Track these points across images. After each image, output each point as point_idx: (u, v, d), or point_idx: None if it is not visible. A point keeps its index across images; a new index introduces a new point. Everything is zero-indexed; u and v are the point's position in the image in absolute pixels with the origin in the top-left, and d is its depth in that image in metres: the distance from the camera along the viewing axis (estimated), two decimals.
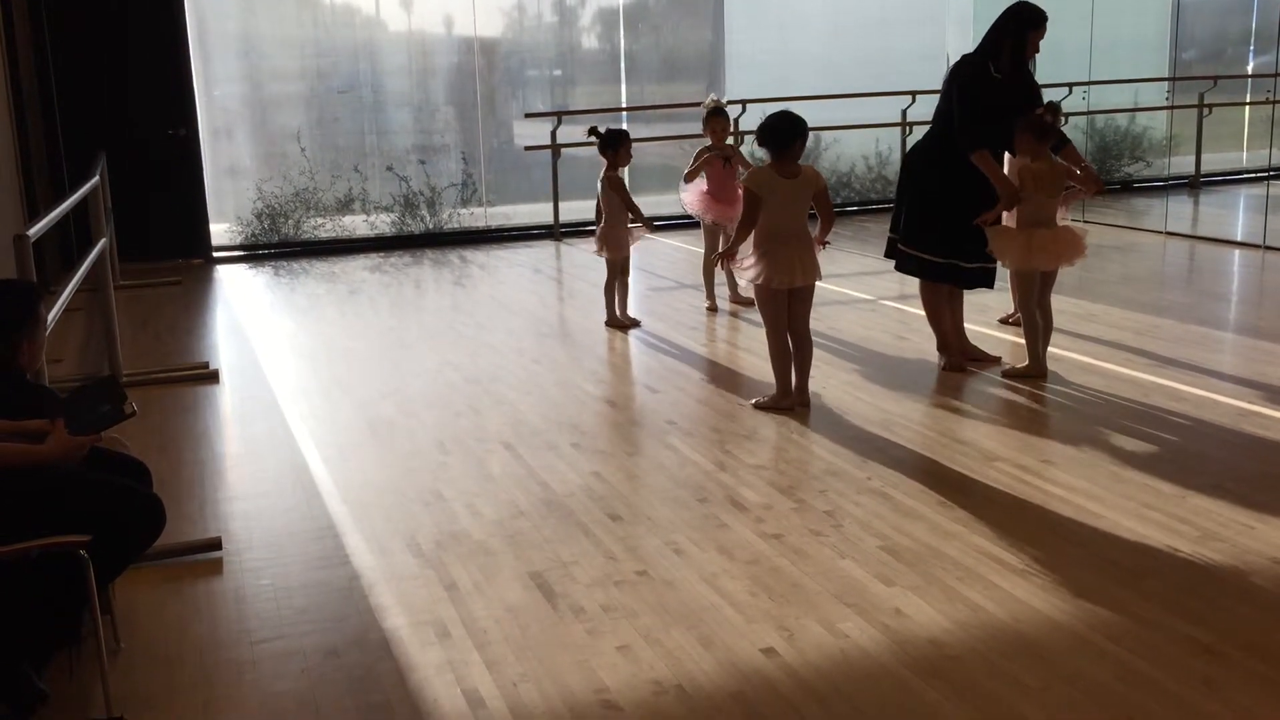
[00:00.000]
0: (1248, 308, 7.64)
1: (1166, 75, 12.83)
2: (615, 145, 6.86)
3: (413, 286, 8.92)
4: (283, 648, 3.23)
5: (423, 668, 3.09)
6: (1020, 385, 5.58)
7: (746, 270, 5.23)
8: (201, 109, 10.24)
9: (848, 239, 9.98)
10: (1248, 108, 12.91)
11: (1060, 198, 5.65)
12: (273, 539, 4.00)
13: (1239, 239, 9.83)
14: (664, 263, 9.43)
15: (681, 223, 10.56)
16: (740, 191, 5.66)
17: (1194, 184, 12.32)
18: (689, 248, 9.74)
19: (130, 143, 9.68)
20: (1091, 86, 11.44)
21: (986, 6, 5.74)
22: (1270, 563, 3.58)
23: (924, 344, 6.18)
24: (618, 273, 7.04)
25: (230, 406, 5.76)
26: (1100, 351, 6.12)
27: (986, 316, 6.80)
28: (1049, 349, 5.76)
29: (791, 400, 5.27)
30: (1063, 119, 6.19)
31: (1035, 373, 5.64)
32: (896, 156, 11.62)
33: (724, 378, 5.93)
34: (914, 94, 11.40)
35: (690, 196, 7.42)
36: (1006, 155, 5.87)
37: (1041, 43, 5.65)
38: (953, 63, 5.90)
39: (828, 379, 5.71)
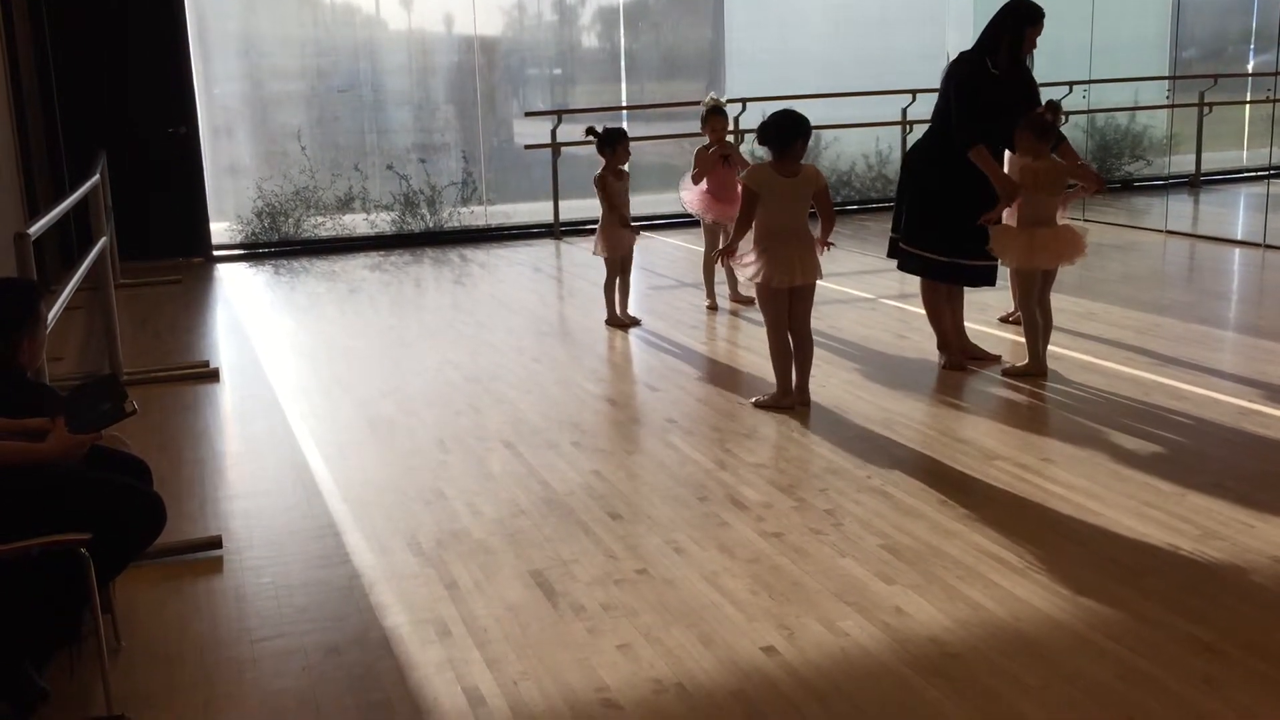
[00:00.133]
0: (1248, 306, 7.64)
1: (1167, 74, 12.82)
2: (613, 144, 6.87)
3: (413, 285, 8.92)
4: (283, 646, 3.23)
5: (423, 666, 3.09)
6: (1020, 384, 5.58)
7: (747, 268, 5.23)
8: (202, 108, 10.24)
9: (848, 238, 9.98)
10: (1248, 106, 12.90)
11: (1061, 198, 5.65)
12: (273, 537, 4.00)
13: (1239, 238, 9.83)
14: (664, 261, 9.43)
15: (681, 222, 10.57)
16: (740, 190, 5.66)
17: (1194, 183, 12.32)
18: (689, 247, 9.74)
19: (130, 141, 9.68)
20: (1092, 85, 11.43)
21: (986, 5, 5.73)
22: (1271, 561, 3.58)
23: (924, 343, 6.18)
24: (617, 271, 7.04)
25: (230, 405, 5.76)
26: (1100, 350, 6.12)
27: (987, 315, 6.80)
28: (1049, 347, 5.76)
29: (792, 399, 5.27)
30: (1063, 118, 6.19)
31: (1035, 371, 5.64)
32: (897, 155, 11.62)
33: (724, 376, 5.93)
34: (914, 93, 11.40)
35: (690, 195, 7.42)
36: (1007, 153, 5.87)
37: (1042, 41, 5.65)
38: (951, 60, 5.90)
39: (828, 378, 5.71)
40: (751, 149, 9.39)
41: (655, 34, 12.14)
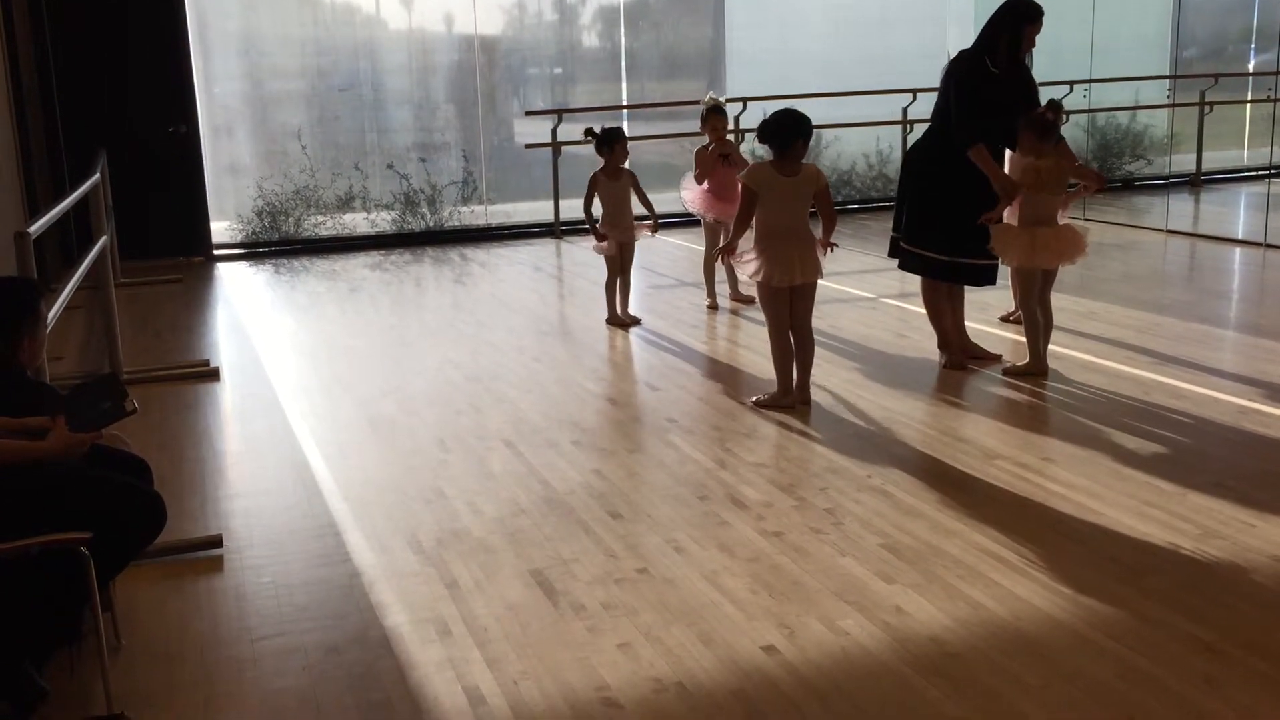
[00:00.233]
0: (1248, 306, 7.64)
1: (1167, 73, 12.82)
2: (609, 144, 6.90)
3: (413, 284, 8.92)
4: (283, 645, 3.23)
5: (423, 665, 3.09)
6: (1021, 383, 5.58)
7: (747, 268, 5.23)
8: (202, 107, 10.24)
9: (848, 237, 9.97)
10: (1249, 106, 12.90)
11: (1062, 198, 5.65)
12: (273, 536, 4.00)
13: (1240, 237, 9.83)
14: (664, 261, 9.43)
15: (682, 221, 10.56)
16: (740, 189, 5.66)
17: (1195, 182, 12.31)
18: (689, 246, 9.74)
19: (131, 140, 9.68)
20: (1092, 84, 11.43)
21: (986, 3, 5.73)
22: (1271, 560, 3.58)
23: (925, 342, 6.18)
24: (617, 271, 7.04)
25: (231, 404, 5.76)
26: (1101, 349, 6.12)
27: (987, 314, 6.80)
28: (1050, 347, 5.76)
29: (792, 398, 5.27)
30: (1064, 117, 6.18)
31: (1036, 370, 5.63)
32: (897, 155, 11.62)
33: (725, 376, 5.93)
34: (914, 92, 11.39)
35: (691, 194, 7.42)
36: (1008, 152, 5.87)
37: (1043, 40, 5.65)
38: (950, 59, 5.90)
39: (829, 377, 5.71)
40: (752, 148, 9.39)
41: (656, 33, 12.14)
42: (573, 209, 10.69)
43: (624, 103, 11.93)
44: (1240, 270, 8.65)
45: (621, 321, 7.04)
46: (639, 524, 3.99)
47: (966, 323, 6.07)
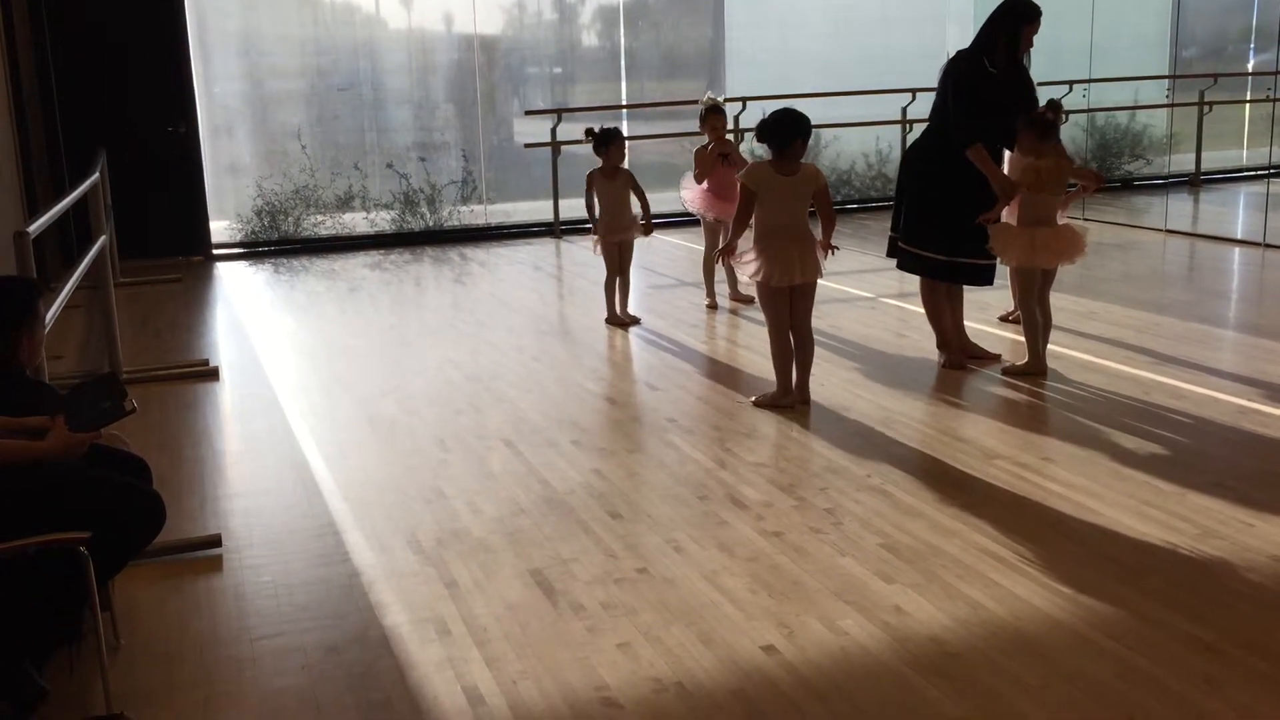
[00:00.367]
0: (1248, 305, 7.64)
1: (1167, 73, 12.82)
2: (605, 144, 6.93)
3: (413, 284, 8.92)
4: (283, 644, 3.23)
5: (423, 665, 3.09)
6: (1020, 383, 5.58)
7: (747, 267, 5.23)
8: (201, 106, 10.24)
9: (848, 236, 9.97)
10: (1248, 105, 12.90)
11: (1062, 199, 5.66)
12: (273, 536, 4.00)
13: (1239, 237, 9.83)
14: (664, 260, 9.43)
15: (681, 220, 10.56)
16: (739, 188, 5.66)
17: (1194, 182, 12.31)
18: (689, 245, 9.74)
19: (130, 140, 9.68)
20: (1092, 84, 11.43)
21: (986, 3, 5.73)
22: (1270, 560, 3.58)
23: (924, 342, 6.18)
24: (615, 270, 7.05)
25: (230, 404, 5.76)
26: (1100, 349, 6.12)
27: (986, 314, 6.80)
28: (1049, 346, 5.76)
29: (791, 398, 5.27)
30: (1064, 116, 6.19)
31: (1035, 370, 5.64)
32: (897, 154, 11.61)
33: (724, 375, 5.93)
34: (914, 91, 11.39)
35: (691, 194, 7.42)
36: (1007, 152, 5.87)
37: (1042, 40, 5.64)
38: (948, 58, 5.90)
39: (828, 377, 5.71)
40: (751, 147, 9.39)
41: (655, 33, 12.14)
42: (572, 208, 10.71)
43: (623, 102, 11.93)
44: (1239, 270, 8.65)
45: (621, 321, 7.04)
46: (639, 524, 3.99)
47: (966, 322, 6.07)
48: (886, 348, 6.33)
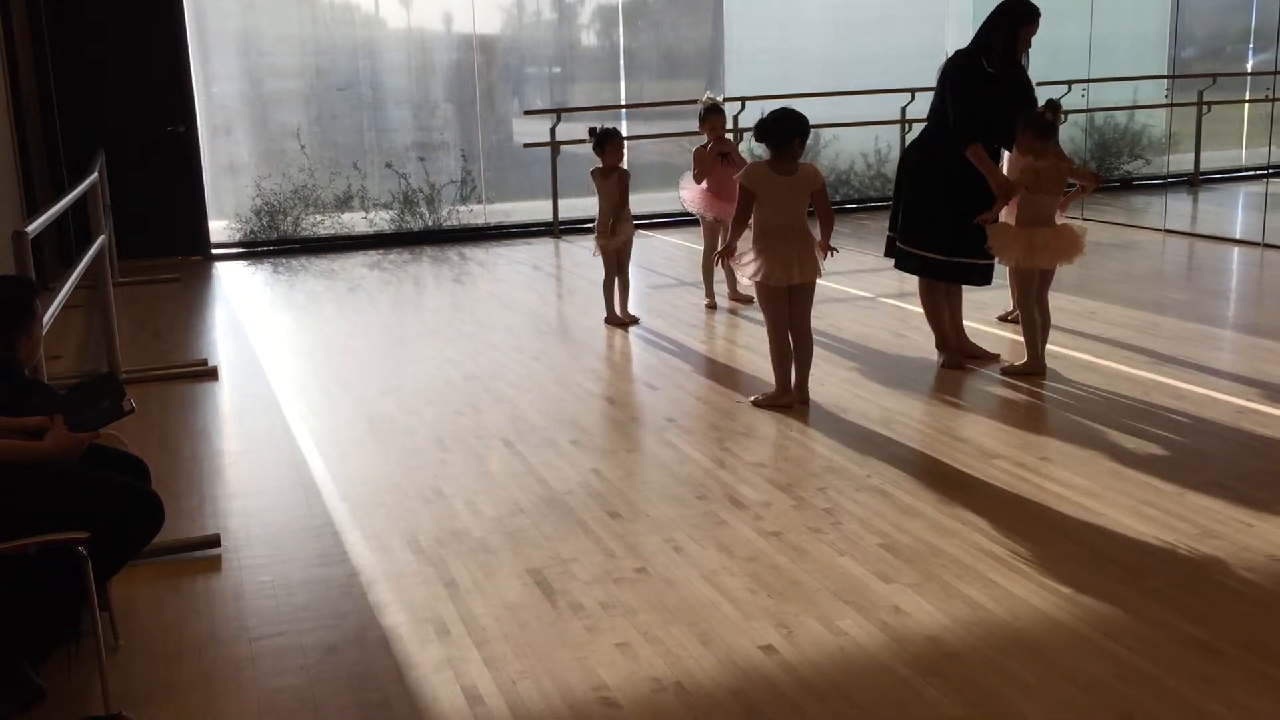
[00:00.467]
0: (1247, 305, 7.64)
1: (1166, 73, 12.82)
2: (601, 144, 6.95)
3: (412, 284, 8.92)
4: (282, 644, 3.23)
5: (422, 665, 3.09)
6: (1019, 383, 5.58)
7: (746, 268, 5.23)
8: (200, 106, 10.23)
9: (847, 236, 9.97)
10: (1247, 105, 12.90)
11: (1061, 201, 5.66)
12: (272, 536, 4.00)
13: (1238, 236, 9.83)
14: (663, 260, 9.43)
15: (680, 220, 10.56)
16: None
17: (1193, 182, 12.32)
18: (688, 245, 9.73)
19: (129, 140, 9.67)
20: (1091, 84, 11.43)
21: (985, 3, 5.73)
22: (1269, 560, 3.58)
23: (923, 341, 6.18)
24: (613, 269, 7.05)
25: (229, 404, 5.76)
26: (1099, 349, 6.12)
27: (985, 314, 6.80)
28: (1048, 346, 5.76)
29: (790, 398, 5.27)
30: (1063, 116, 6.19)
31: (1034, 370, 5.64)
32: (896, 154, 11.61)
33: (723, 375, 5.93)
34: (913, 91, 11.39)
35: (690, 193, 7.42)
36: (1005, 152, 5.87)
37: (1041, 39, 5.64)
38: (946, 58, 5.90)
39: (827, 376, 5.71)
40: (750, 147, 9.39)
41: (654, 32, 12.13)
42: (571, 208, 10.75)
43: (622, 102, 11.93)
44: (1238, 270, 8.66)
45: (620, 321, 7.04)
46: (638, 524, 3.99)
47: (965, 322, 6.07)
48: (886, 347, 6.33)
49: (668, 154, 11.67)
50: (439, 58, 11.46)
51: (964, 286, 5.94)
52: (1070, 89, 11.07)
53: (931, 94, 5.88)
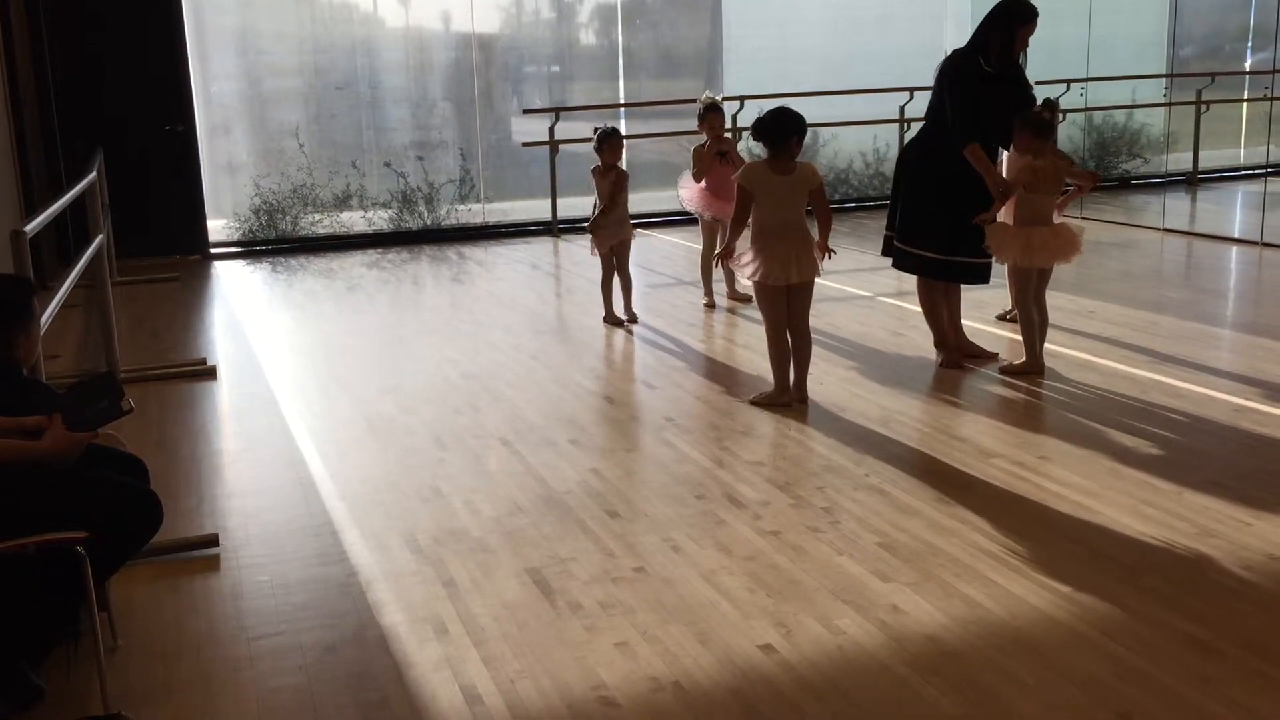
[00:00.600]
0: (1245, 304, 7.65)
1: (1164, 72, 12.82)
2: (599, 143, 6.96)
3: (411, 283, 8.92)
4: (280, 644, 3.23)
5: (420, 664, 3.09)
6: (1017, 382, 5.58)
7: (744, 267, 5.23)
8: (199, 105, 10.23)
9: (845, 235, 9.97)
10: (1245, 104, 12.91)
11: (1059, 201, 5.66)
12: (270, 535, 4.00)
13: (1236, 235, 9.84)
14: (662, 259, 9.43)
15: (679, 219, 10.56)
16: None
17: (1192, 181, 12.32)
18: (687, 244, 9.73)
19: (128, 139, 9.67)
20: (1089, 83, 11.44)
21: (983, 3, 5.73)
22: (1267, 559, 3.58)
23: (921, 340, 6.18)
24: (611, 269, 7.05)
25: (228, 403, 5.76)
26: (1098, 348, 6.13)
27: (983, 313, 6.80)
28: (1046, 345, 5.76)
29: (789, 397, 5.27)
30: (1060, 116, 6.19)
31: (1032, 369, 5.64)
32: (894, 153, 11.61)
33: (722, 374, 5.93)
34: (912, 90, 11.38)
35: (689, 193, 7.42)
36: (1005, 152, 5.87)
37: (1039, 39, 5.65)
38: (944, 57, 5.90)
39: (826, 376, 5.71)
40: (749, 146, 9.39)
41: (653, 31, 12.13)
42: (570, 207, 10.74)
43: (621, 101, 11.93)
44: (1237, 269, 8.66)
45: (619, 320, 7.04)
46: (636, 523, 4.00)
47: (963, 321, 6.08)
48: (884, 346, 6.34)
49: (666, 153, 11.67)
50: (437, 56, 11.45)
51: (962, 285, 5.94)
52: (1069, 88, 11.07)
53: (930, 93, 5.89)
